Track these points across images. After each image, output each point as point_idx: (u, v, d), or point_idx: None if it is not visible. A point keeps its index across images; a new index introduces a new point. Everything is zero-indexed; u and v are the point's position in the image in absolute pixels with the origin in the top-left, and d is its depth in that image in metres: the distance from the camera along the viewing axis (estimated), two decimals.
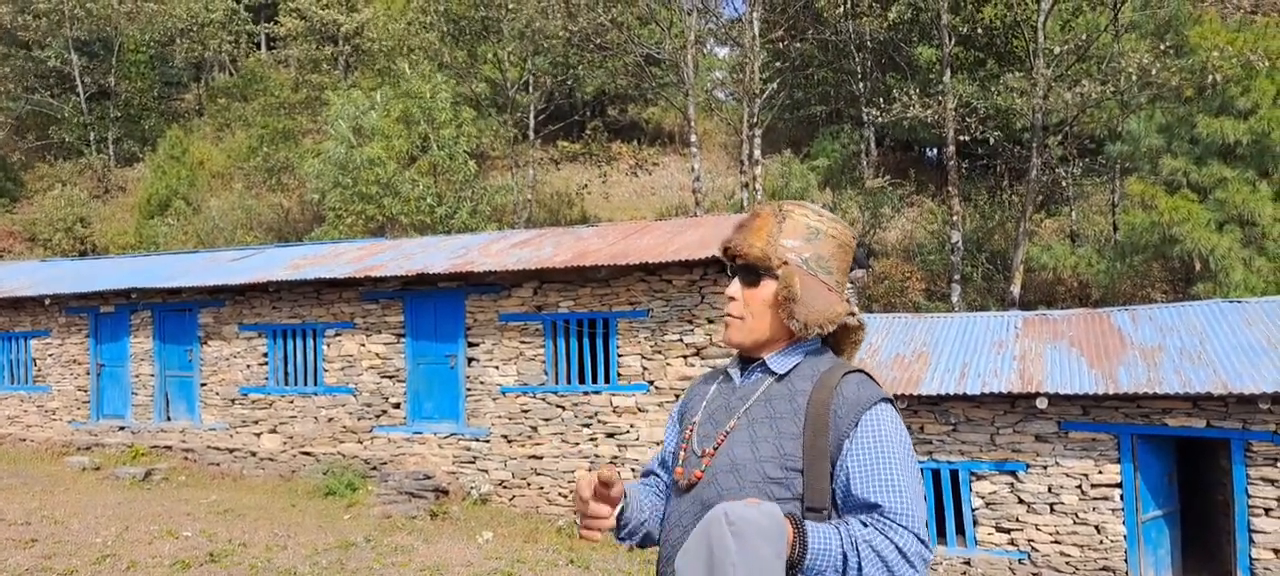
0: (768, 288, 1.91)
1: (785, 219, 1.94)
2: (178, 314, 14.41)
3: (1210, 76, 15.20)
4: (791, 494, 1.76)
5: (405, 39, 24.04)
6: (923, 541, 1.70)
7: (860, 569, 1.65)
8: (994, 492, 9.88)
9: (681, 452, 1.97)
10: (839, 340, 1.98)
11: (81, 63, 29.51)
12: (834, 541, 1.66)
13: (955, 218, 18.91)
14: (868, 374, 1.87)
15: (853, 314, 1.95)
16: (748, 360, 1.98)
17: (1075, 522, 9.57)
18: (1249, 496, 8.99)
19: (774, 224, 1.93)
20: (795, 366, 1.89)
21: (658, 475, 2.11)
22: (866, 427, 1.76)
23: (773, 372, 1.90)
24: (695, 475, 1.88)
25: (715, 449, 1.87)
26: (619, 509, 1.91)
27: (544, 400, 11.96)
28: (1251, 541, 8.97)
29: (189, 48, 34.27)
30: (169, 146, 27.20)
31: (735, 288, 1.95)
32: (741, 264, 1.94)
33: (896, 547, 1.66)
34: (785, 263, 1.90)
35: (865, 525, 1.70)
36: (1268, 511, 8.92)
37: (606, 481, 1.83)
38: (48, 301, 15.13)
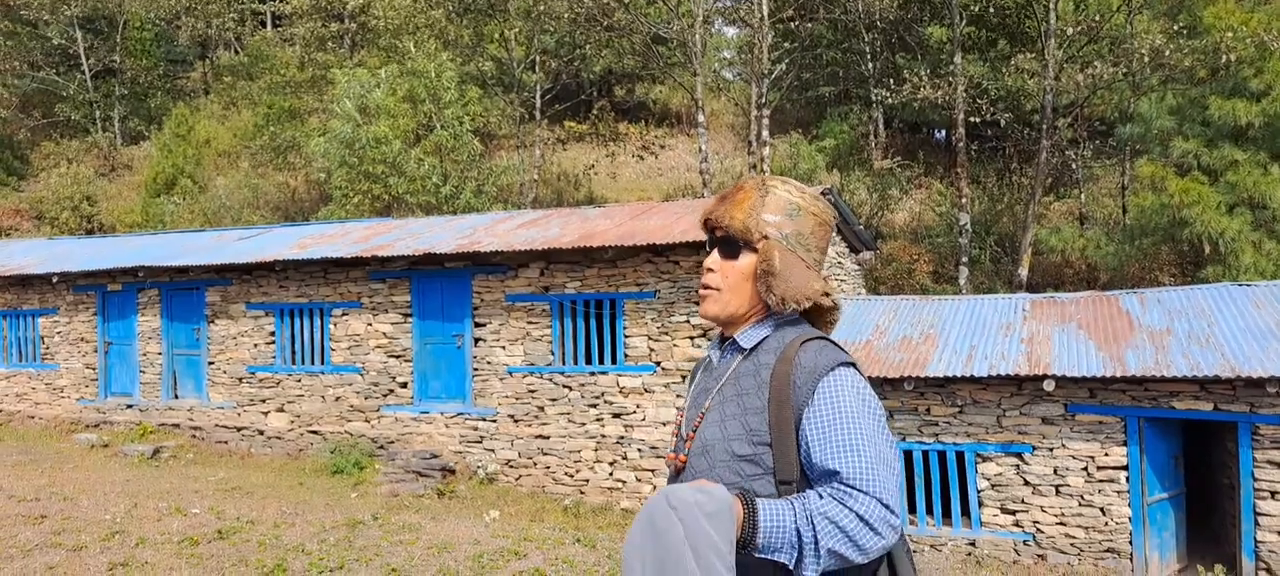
0: (746, 261, 1.90)
1: (768, 193, 1.92)
2: (185, 292, 14.44)
3: (1223, 57, 15.06)
4: (762, 469, 1.74)
5: (411, 17, 23.94)
6: (886, 505, 1.64)
7: (816, 542, 1.61)
8: (1000, 474, 9.88)
9: (674, 438, 1.98)
10: (812, 320, 1.96)
11: (86, 40, 29.47)
12: (787, 517, 1.63)
13: (963, 200, 18.83)
14: (828, 339, 1.85)
15: (828, 294, 1.93)
16: (726, 339, 1.98)
17: (1080, 504, 9.57)
18: (1255, 479, 8.97)
19: (757, 197, 1.91)
20: (763, 340, 1.88)
21: None
22: (823, 393, 1.73)
23: (741, 349, 1.90)
24: (681, 460, 1.89)
25: (693, 432, 1.87)
26: None
27: (551, 380, 11.98)
28: (1257, 524, 8.96)
29: (193, 25, 34.19)
30: (175, 125, 27.18)
31: (714, 259, 1.94)
32: (721, 236, 1.93)
33: (856, 515, 1.62)
34: (765, 237, 1.88)
35: (822, 496, 1.66)
36: (1274, 494, 8.90)
37: None
38: (55, 279, 15.17)
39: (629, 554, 1.59)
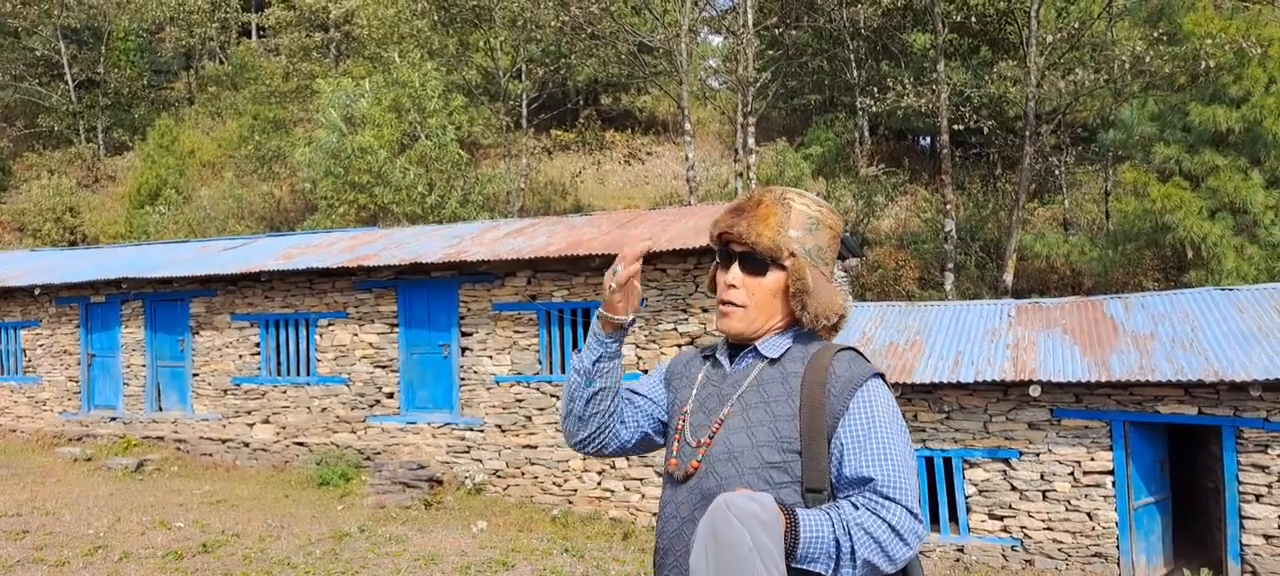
0: (774, 278, 1.89)
1: (790, 209, 1.91)
2: (169, 304, 14.34)
3: (1203, 64, 15.20)
4: (791, 477, 1.76)
5: (396, 27, 23.90)
6: (915, 515, 1.69)
7: (853, 553, 1.65)
8: (987, 480, 9.91)
9: (675, 443, 1.94)
10: (825, 328, 1.97)
11: (70, 51, 29.29)
12: (826, 528, 1.65)
13: (948, 206, 18.92)
14: (858, 351, 1.87)
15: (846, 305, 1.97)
16: (736, 346, 1.96)
17: (1067, 509, 9.61)
18: (1240, 483, 9.04)
19: (782, 213, 1.90)
20: (787, 350, 1.89)
21: (636, 398, 2.12)
22: (859, 403, 1.76)
23: (764, 357, 1.89)
24: (692, 466, 1.86)
25: (711, 438, 1.84)
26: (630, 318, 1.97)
27: (538, 390, 11.95)
28: (1242, 527, 9.02)
29: (178, 36, 34.03)
30: (159, 135, 27.01)
31: (736, 275, 1.91)
32: (742, 251, 1.91)
33: (889, 525, 1.66)
34: (793, 254, 1.88)
35: (856, 506, 1.69)
36: (1258, 497, 8.97)
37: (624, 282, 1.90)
38: (37, 291, 15.03)
39: (696, 566, 1.59)
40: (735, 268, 1.92)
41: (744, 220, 1.91)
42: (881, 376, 1.84)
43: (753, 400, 1.84)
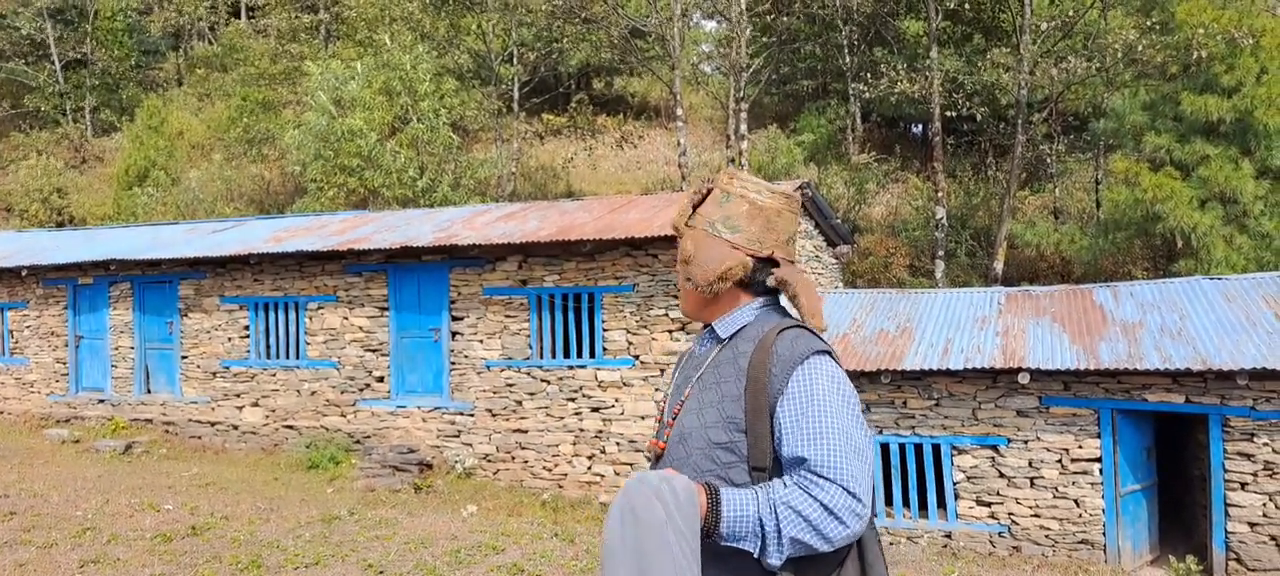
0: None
1: (709, 191, 1.97)
2: (158, 286, 14.26)
3: (1195, 54, 15.24)
4: (738, 456, 1.75)
5: (386, 9, 23.75)
6: (852, 493, 1.64)
7: (779, 531, 1.64)
8: (975, 467, 9.95)
9: (657, 425, 2.01)
10: (790, 299, 1.94)
11: (56, 31, 29.02)
12: (750, 507, 1.66)
13: (940, 194, 18.94)
14: (806, 328, 1.84)
15: (773, 272, 1.89)
16: (709, 330, 2.02)
17: (1055, 496, 9.66)
18: (1226, 471, 9.10)
19: (687, 196, 1.99)
20: (741, 329, 1.89)
21: None
22: (798, 381, 1.74)
23: (719, 338, 1.92)
24: (659, 447, 1.91)
25: (673, 419, 1.89)
26: None
27: (529, 374, 11.94)
28: (1228, 515, 9.09)
29: (166, 16, 33.74)
30: (147, 116, 26.82)
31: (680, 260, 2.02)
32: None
33: (820, 504, 1.63)
34: (690, 227, 1.95)
35: (787, 485, 1.68)
36: (1243, 485, 9.03)
37: None
38: (25, 272, 14.93)
39: (610, 539, 1.62)
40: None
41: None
42: (828, 353, 1.81)
43: (708, 381, 1.86)
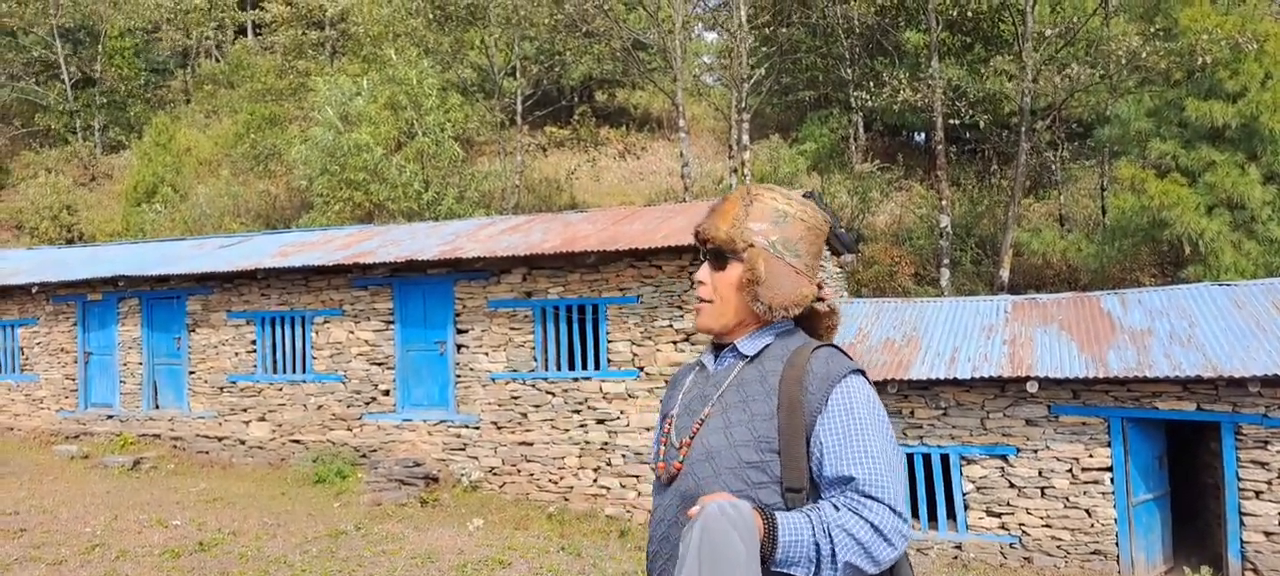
0: (734, 271, 1.90)
1: (753, 202, 1.92)
2: (165, 301, 14.31)
3: (1199, 59, 15.20)
4: (769, 477, 1.74)
5: (391, 25, 23.87)
6: (898, 514, 1.66)
7: (834, 555, 1.63)
8: (985, 477, 9.90)
9: (661, 446, 1.95)
10: (813, 325, 1.95)
11: (66, 50, 29.23)
12: (805, 531, 1.64)
13: (944, 202, 18.90)
14: (837, 348, 1.85)
15: (821, 298, 1.93)
16: (721, 346, 1.97)
17: (1066, 507, 9.60)
18: (1239, 479, 9.03)
19: (741, 207, 1.92)
20: (766, 347, 1.87)
21: None
22: (837, 400, 1.74)
23: (743, 356, 1.89)
24: (675, 467, 1.86)
25: (691, 438, 1.85)
26: None
27: (534, 387, 11.93)
28: (1242, 524, 9.02)
29: (174, 35, 33.96)
30: (155, 134, 26.94)
31: (704, 272, 1.95)
32: (711, 248, 1.93)
33: (871, 525, 1.64)
34: (751, 245, 1.88)
35: (837, 507, 1.67)
36: (1258, 494, 8.96)
37: None
38: (35, 289, 15.00)
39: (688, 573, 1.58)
40: (705, 265, 1.96)
41: (710, 217, 1.95)
42: (861, 372, 1.81)
43: (732, 399, 1.83)
